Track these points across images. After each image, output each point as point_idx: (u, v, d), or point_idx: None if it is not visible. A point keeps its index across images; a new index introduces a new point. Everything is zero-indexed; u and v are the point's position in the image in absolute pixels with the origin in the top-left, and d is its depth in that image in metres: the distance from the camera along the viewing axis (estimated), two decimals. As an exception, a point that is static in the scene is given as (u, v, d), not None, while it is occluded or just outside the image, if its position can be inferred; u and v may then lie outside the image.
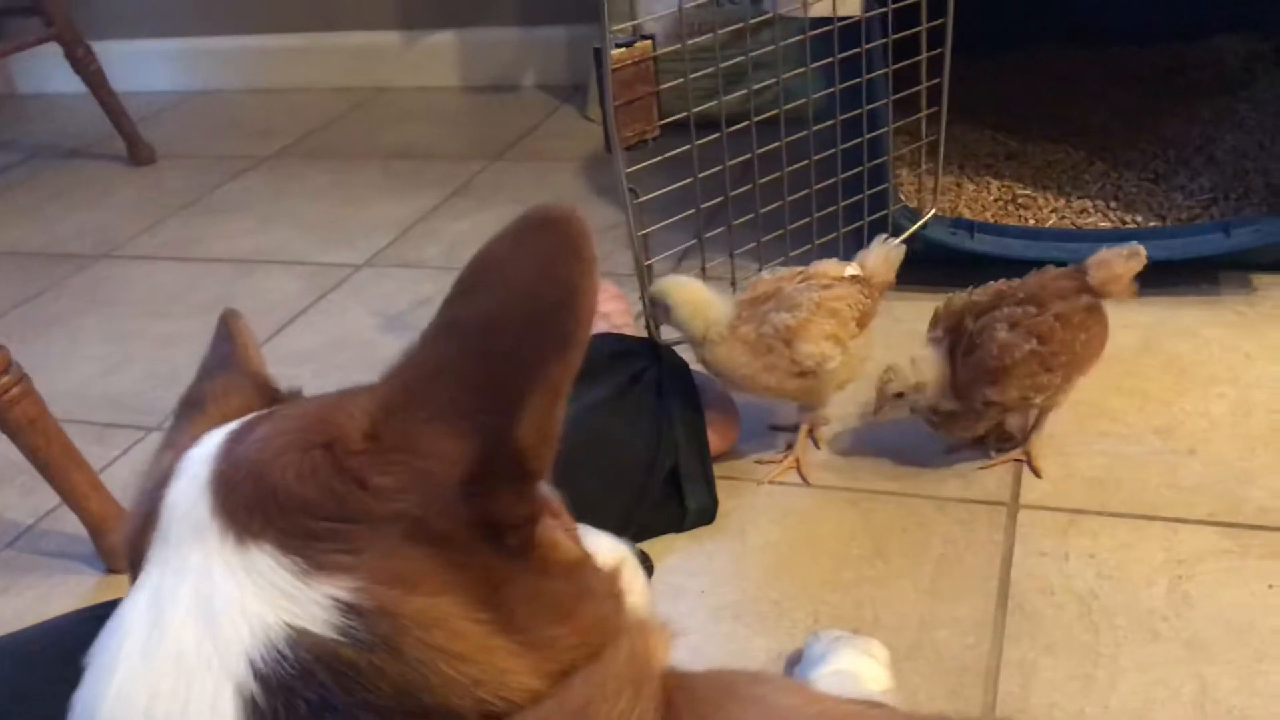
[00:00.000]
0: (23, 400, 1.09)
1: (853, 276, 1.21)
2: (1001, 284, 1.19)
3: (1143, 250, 1.16)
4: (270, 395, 0.53)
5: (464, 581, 0.40)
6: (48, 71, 2.64)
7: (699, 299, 1.16)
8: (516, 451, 0.40)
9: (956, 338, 1.15)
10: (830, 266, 1.23)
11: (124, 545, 0.46)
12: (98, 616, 0.42)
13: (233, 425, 0.45)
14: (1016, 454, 1.22)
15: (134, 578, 0.43)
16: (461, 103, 2.69)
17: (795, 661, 1.00)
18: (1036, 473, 1.20)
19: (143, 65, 2.89)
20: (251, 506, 0.40)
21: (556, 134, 2.38)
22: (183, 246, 2.02)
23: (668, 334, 1.28)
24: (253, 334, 0.58)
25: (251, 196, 2.24)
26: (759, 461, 1.27)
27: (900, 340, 1.28)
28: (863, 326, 1.19)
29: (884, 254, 1.24)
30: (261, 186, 2.29)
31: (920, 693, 0.96)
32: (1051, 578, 1.06)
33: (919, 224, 1.50)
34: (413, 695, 0.37)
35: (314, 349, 1.62)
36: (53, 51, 2.35)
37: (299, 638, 0.37)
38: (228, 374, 0.54)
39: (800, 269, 1.21)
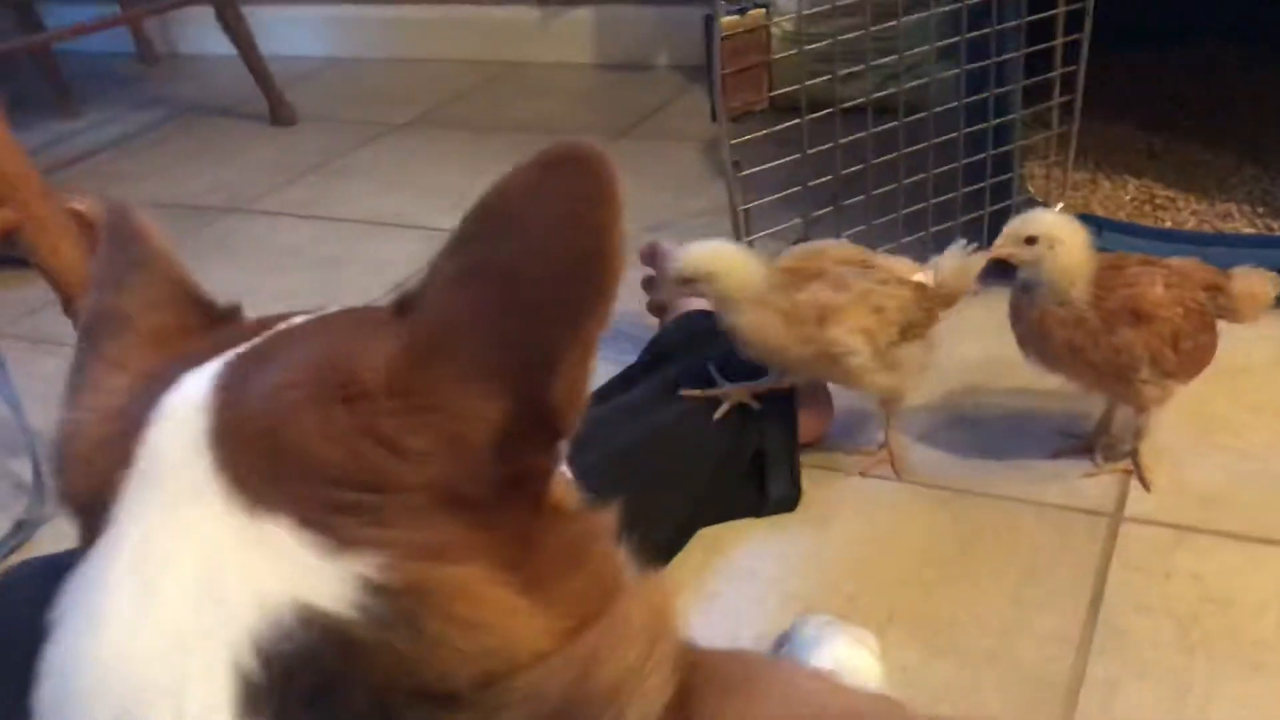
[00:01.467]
0: None
1: (917, 283, 1.12)
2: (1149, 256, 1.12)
3: None
4: (207, 311, 0.48)
5: (492, 544, 0.38)
6: (205, 33, 2.73)
7: (731, 260, 1.07)
8: (549, 412, 0.38)
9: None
10: (898, 264, 1.15)
11: (73, 477, 0.41)
12: (58, 567, 0.39)
13: (218, 363, 0.41)
14: (1124, 464, 1.15)
15: (85, 520, 0.39)
16: (594, 80, 2.68)
17: (782, 642, 0.96)
18: (1145, 485, 1.12)
19: (292, 30, 2.97)
20: (265, 472, 0.37)
21: (683, 113, 2.36)
22: (309, 205, 2.07)
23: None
24: (159, 228, 0.50)
25: (381, 162, 2.27)
26: (853, 453, 1.22)
27: (993, 333, 1.20)
28: (911, 336, 1.10)
29: (960, 262, 1.14)
30: (391, 153, 2.33)
31: (992, 703, 0.91)
32: (1149, 596, 1.00)
33: (1043, 218, 1.42)
34: (417, 674, 0.35)
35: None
36: (210, 13, 2.44)
37: (312, 616, 0.35)
38: (148, 282, 0.48)
39: (863, 252, 1.13)
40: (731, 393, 1.13)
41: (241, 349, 0.42)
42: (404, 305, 0.41)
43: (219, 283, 1.70)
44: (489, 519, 0.38)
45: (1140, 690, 0.90)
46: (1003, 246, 1.06)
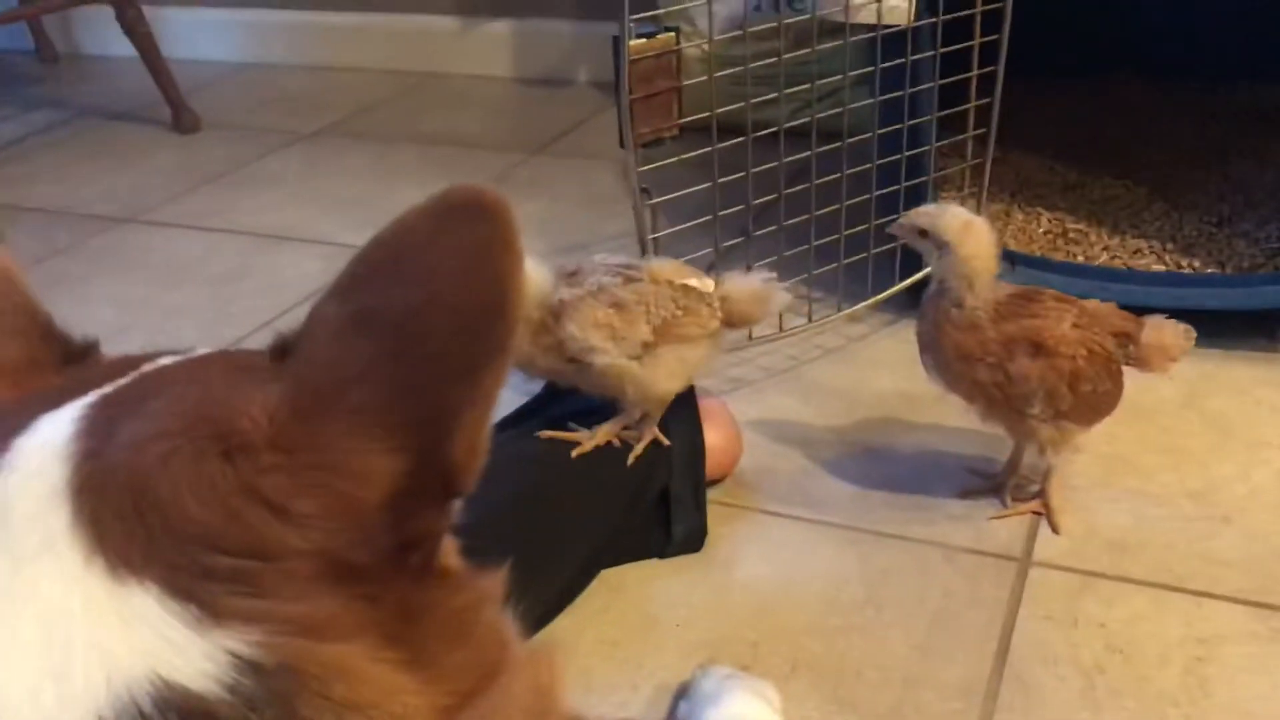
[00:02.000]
0: None
1: (688, 287, 1.05)
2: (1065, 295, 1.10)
3: (1195, 335, 1.08)
4: (60, 346, 0.43)
5: (376, 618, 0.34)
6: (107, 33, 2.63)
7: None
8: (446, 470, 0.35)
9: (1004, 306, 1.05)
10: (668, 267, 1.08)
11: None
12: None
13: (79, 406, 0.37)
14: (1034, 504, 1.13)
15: None
16: (512, 94, 2.63)
17: (682, 695, 0.92)
18: (1054, 528, 1.11)
19: (199, 34, 2.87)
20: (131, 532, 0.32)
21: (602, 131, 2.31)
22: (208, 216, 1.99)
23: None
24: (14, 262, 0.46)
25: (286, 172, 2.20)
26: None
27: (905, 366, 1.18)
28: (673, 338, 1.03)
29: (751, 286, 1.08)
30: (298, 163, 2.25)
31: (896, 760, 0.88)
32: (1056, 645, 0.97)
33: (957, 251, 1.41)
34: None
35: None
36: (111, 13, 2.34)
37: (170, 694, 0.31)
38: None
39: (631, 261, 1.07)
40: (595, 434, 1.08)
41: (105, 391, 0.38)
42: (282, 349, 0.38)
43: (107, 297, 1.62)
44: (374, 590, 0.35)
45: (1045, 747, 0.88)
46: (897, 227, 1.08)
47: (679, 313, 1.04)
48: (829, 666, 0.97)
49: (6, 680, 0.31)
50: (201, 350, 0.44)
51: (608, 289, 1.02)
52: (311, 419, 0.35)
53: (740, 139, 1.22)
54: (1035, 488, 1.14)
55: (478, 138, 2.34)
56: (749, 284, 1.09)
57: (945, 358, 1.06)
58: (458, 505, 0.38)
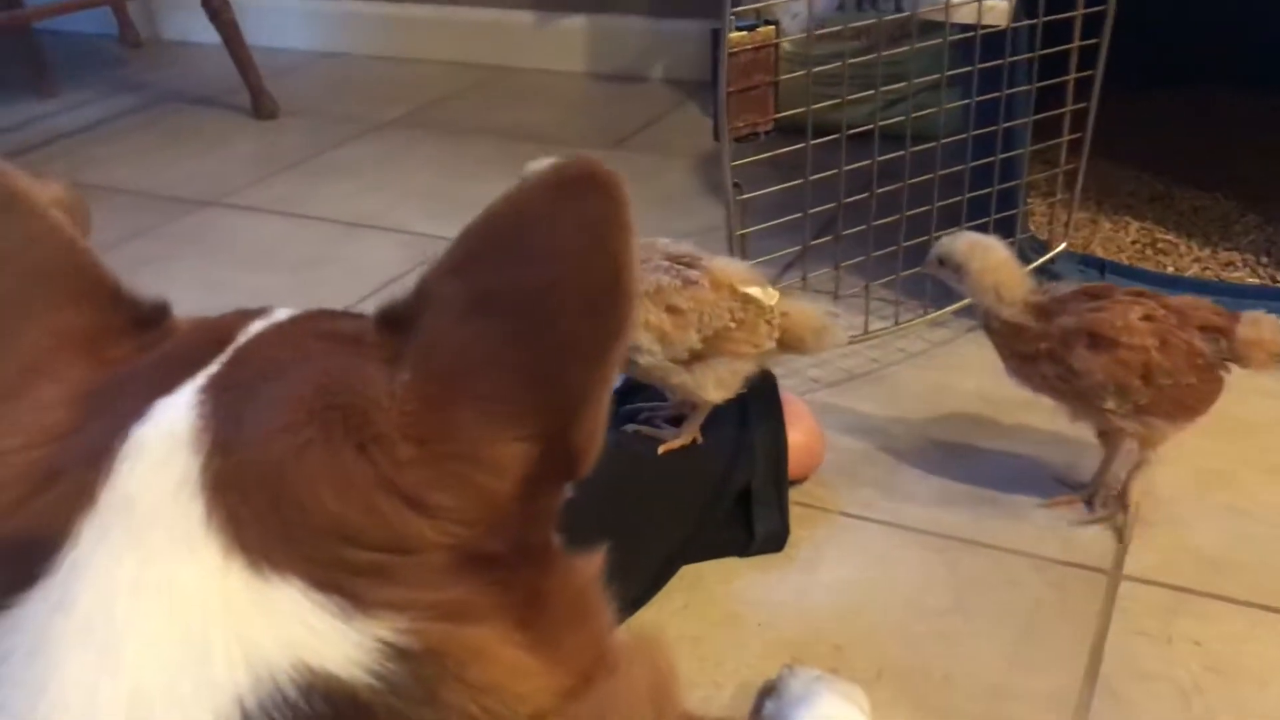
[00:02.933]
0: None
1: (749, 299, 1.01)
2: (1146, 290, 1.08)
3: None
4: (129, 309, 0.41)
5: (507, 603, 0.35)
6: (190, 20, 2.66)
7: None
8: (569, 454, 0.35)
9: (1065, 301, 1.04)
10: (732, 270, 1.03)
11: None
12: None
13: (193, 390, 0.35)
14: (1114, 512, 1.10)
15: (6, 562, 0.33)
16: (586, 89, 2.63)
17: (768, 694, 0.91)
18: (1120, 535, 1.08)
19: (280, 22, 2.90)
20: (270, 527, 0.32)
21: (677, 128, 2.31)
22: (289, 202, 2.01)
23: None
24: (58, 203, 0.42)
25: (364, 160, 2.22)
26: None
27: (991, 370, 1.15)
28: (723, 350, 1.00)
29: (814, 320, 1.04)
30: (375, 151, 2.27)
31: (986, 770, 0.87)
32: (1150, 662, 0.95)
33: (1047, 257, 1.39)
34: None
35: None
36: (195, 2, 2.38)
37: (314, 680, 0.31)
38: (48, 269, 0.40)
39: (695, 251, 1.03)
40: (681, 432, 1.07)
41: (213, 371, 0.37)
42: (392, 321, 0.37)
43: (189, 279, 1.63)
44: (505, 575, 0.35)
45: (1142, 765, 0.86)
46: (926, 265, 1.12)
47: (733, 325, 1.00)
48: (916, 673, 0.96)
49: (141, 669, 0.30)
50: (284, 312, 0.42)
51: (665, 291, 0.98)
52: (443, 407, 0.34)
53: (830, 137, 1.20)
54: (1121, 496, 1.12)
55: (551, 132, 2.34)
56: (811, 312, 1.05)
57: (1012, 365, 1.07)
58: (568, 488, 0.38)
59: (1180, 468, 1.17)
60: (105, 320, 0.40)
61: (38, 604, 0.32)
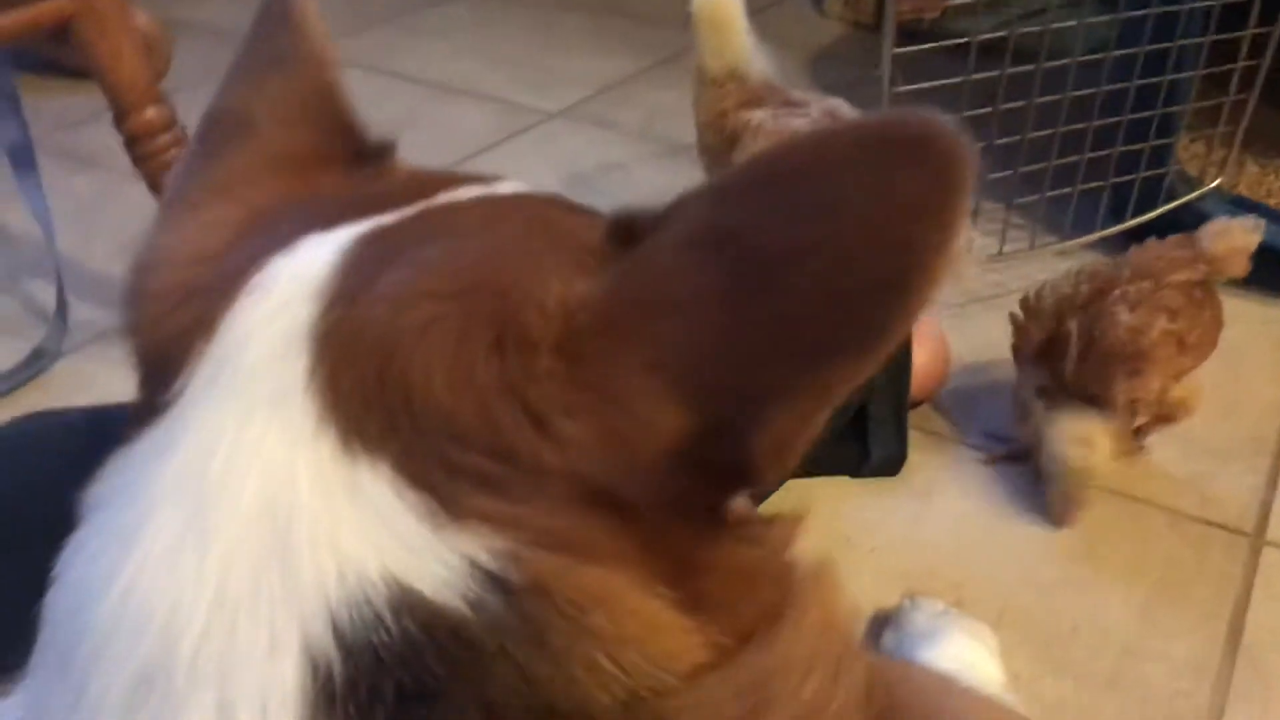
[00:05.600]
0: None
1: None
2: (1097, 265, 1.02)
3: (1263, 224, 1.00)
4: (355, 141, 0.38)
5: (646, 556, 0.28)
6: None
7: (731, 21, 1.00)
8: (741, 458, 0.28)
9: (1054, 346, 0.98)
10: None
11: (143, 320, 0.32)
12: (103, 420, 0.31)
13: (353, 232, 0.31)
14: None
15: (148, 376, 0.30)
16: (688, -29, 2.51)
17: (887, 624, 0.86)
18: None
19: None
20: (370, 400, 0.27)
21: (786, 20, 2.19)
22: (377, 58, 1.92)
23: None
24: (322, 24, 0.40)
25: (454, 23, 2.12)
26: (985, 462, 1.05)
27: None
28: None
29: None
30: (469, 14, 2.17)
31: (1117, 733, 0.81)
32: (1296, 634, 0.88)
33: (1198, 193, 1.29)
34: (541, 694, 0.26)
35: (491, 191, 1.51)
36: None
37: (405, 599, 0.25)
38: (291, 84, 0.38)
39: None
40: None
41: (387, 220, 0.32)
42: (624, 229, 0.30)
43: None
44: (644, 530, 0.28)
45: (1293, 744, 0.80)
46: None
47: None
48: (1040, 621, 0.89)
49: (228, 553, 0.26)
50: (511, 185, 0.37)
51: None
52: (612, 333, 0.27)
53: (1001, 34, 1.10)
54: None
55: (652, 10, 2.22)
56: None
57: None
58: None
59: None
60: (323, 147, 0.37)
61: (149, 441, 0.28)
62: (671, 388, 0.27)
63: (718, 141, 1.04)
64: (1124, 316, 0.95)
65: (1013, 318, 1.02)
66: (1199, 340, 0.98)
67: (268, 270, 0.30)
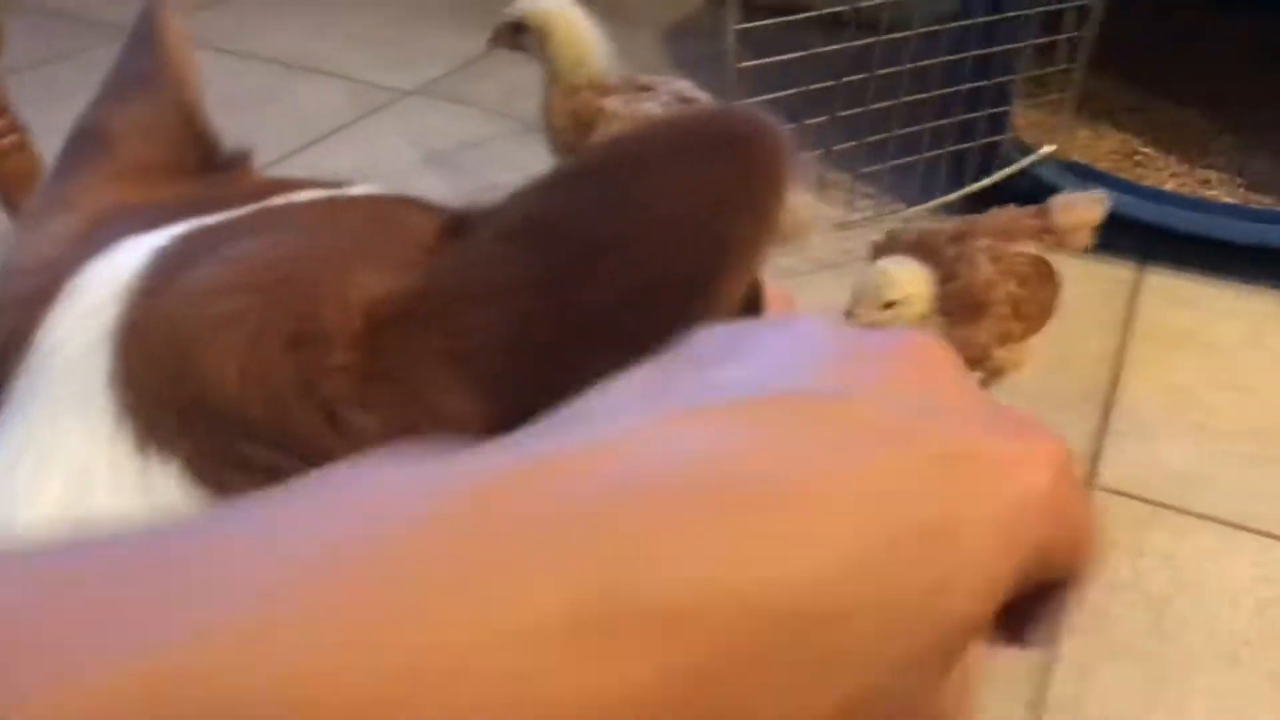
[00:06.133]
0: (15, 154, 0.96)
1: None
2: (959, 220, 1.05)
3: (1105, 199, 1.03)
4: (208, 152, 0.37)
5: None
6: None
7: (578, 31, 0.99)
8: None
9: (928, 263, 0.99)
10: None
11: None
12: None
13: (174, 231, 0.31)
14: None
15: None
16: (545, -54, 2.50)
17: None
18: None
19: None
20: (166, 396, 0.27)
21: (641, -3, 2.21)
22: (228, 37, 1.87)
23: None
24: (188, 42, 0.40)
25: (309, 1, 2.08)
26: None
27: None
28: None
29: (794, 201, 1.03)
30: (319, -9, 2.13)
31: (960, 672, 0.85)
32: (1122, 572, 0.95)
33: (1031, 159, 1.35)
34: None
35: (345, 171, 1.48)
36: None
37: None
38: (148, 102, 0.38)
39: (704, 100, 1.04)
40: None
41: (213, 219, 0.31)
42: (456, 224, 0.30)
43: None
44: None
45: (1116, 675, 0.85)
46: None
47: None
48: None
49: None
50: (369, 189, 0.37)
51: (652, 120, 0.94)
52: (416, 326, 0.28)
53: (841, 8, 1.14)
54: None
55: (509, -12, 2.22)
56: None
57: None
58: None
59: (1150, 385, 1.17)
60: (176, 157, 0.36)
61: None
62: (472, 379, 0.27)
63: (572, 131, 1.02)
64: (985, 266, 0.98)
65: (874, 243, 1.04)
66: (1032, 313, 1.01)
67: (84, 273, 0.29)
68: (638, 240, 0.27)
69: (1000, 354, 0.99)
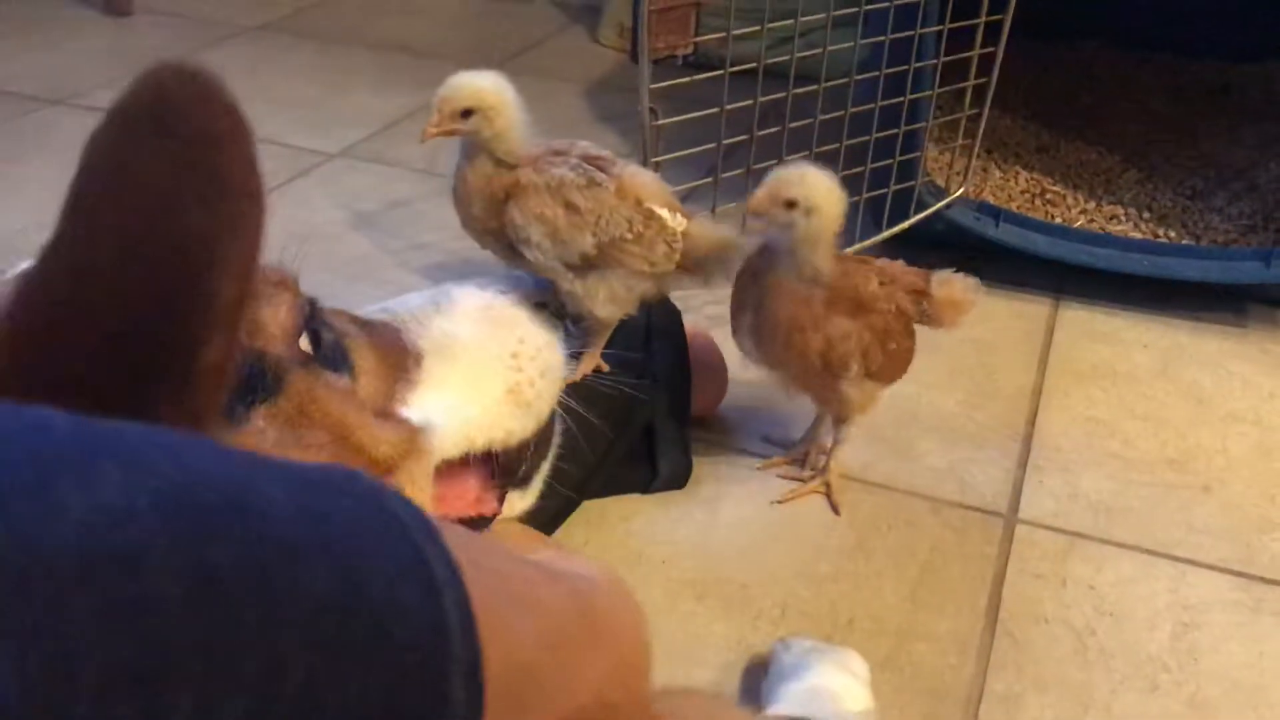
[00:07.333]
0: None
1: (653, 215, 0.96)
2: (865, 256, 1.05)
3: (981, 288, 1.02)
4: None
5: None
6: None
7: (514, 107, 0.94)
8: None
9: None
10: (647, 184, 0.97)
11: None
12: None
13: None
14: (816, 485, 1.08)
15: None
16: (468, 5, 2.53)
17: (761, 669, 0.89)
18: (835, 509, 1.06)
19: (133, -89, 2.69)
20: None
21: (562, 52, 2.24)
22: (146, 105, 1.86)
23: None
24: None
25: (230, 67, 2.07)
26: (762, 468, 1.11)
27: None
28: (617, 259, 0.96)
29: (716, 238, 1.00)
30: (241, 57, 2.13)
31: (892, 710, 0.87)
32: (1046, 604, 0.97)
33: (944, 202, 1.39)
34: None
35: (272, 237, 1.48)
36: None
37: None
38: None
39: (616, 157, 0.98)
40: (580, 363, 1.01)
41: None
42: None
43: (36, 181, 1.49)
44: None
45: (1042, 705, 0.87)
46: (760, 203, 0.93)
47: (629, 237, 0.95)
48: (820, 613, 0.95)
49: None
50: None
51: (566, 186, 0.93)
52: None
53: (751, 65, 1.17)
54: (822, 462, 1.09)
55: (432, 47, 2.24)
56: (715, 236, 1.00)
57: (771, 327, 0.96)
58: None
59: (1069, 416, 1.20)
60: None
61: None
62: None
63: (488, 209, 0.95)
64: (873, 281, 0.97)
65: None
66: (894, 353, 0.99)
67: None
68: (105, 254, 0.29)
69: (856, 371, 0.97)
